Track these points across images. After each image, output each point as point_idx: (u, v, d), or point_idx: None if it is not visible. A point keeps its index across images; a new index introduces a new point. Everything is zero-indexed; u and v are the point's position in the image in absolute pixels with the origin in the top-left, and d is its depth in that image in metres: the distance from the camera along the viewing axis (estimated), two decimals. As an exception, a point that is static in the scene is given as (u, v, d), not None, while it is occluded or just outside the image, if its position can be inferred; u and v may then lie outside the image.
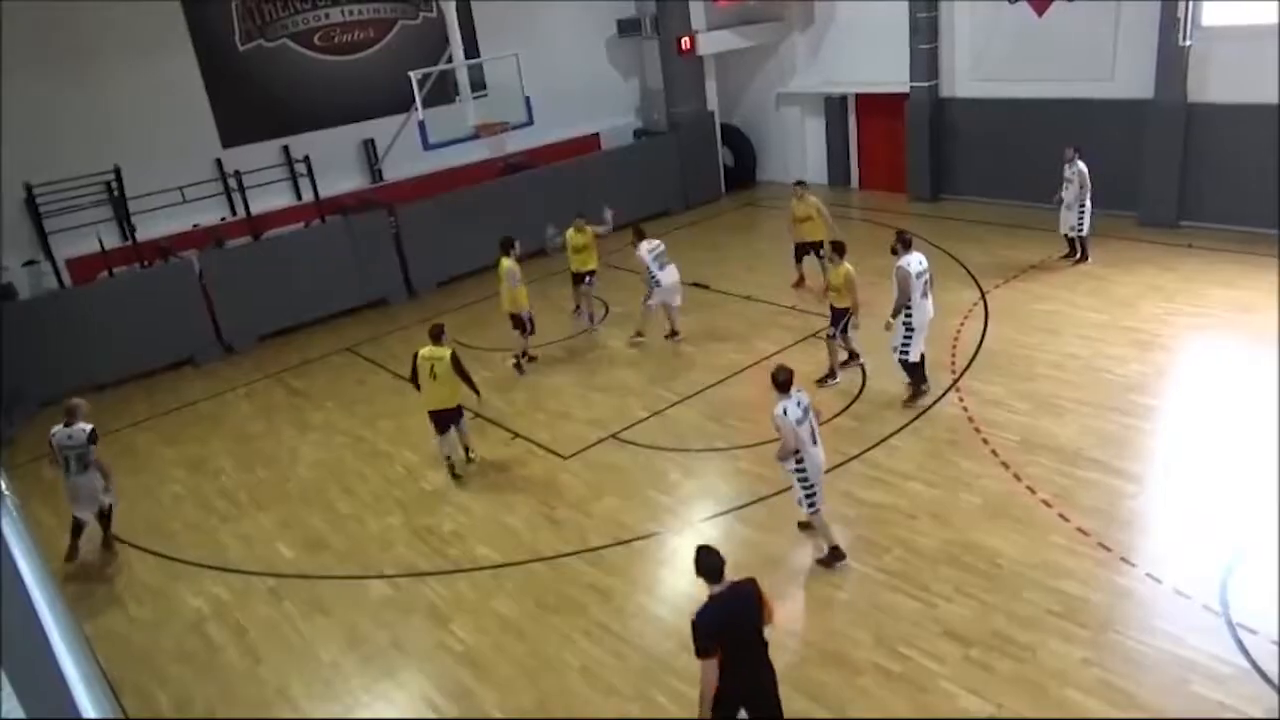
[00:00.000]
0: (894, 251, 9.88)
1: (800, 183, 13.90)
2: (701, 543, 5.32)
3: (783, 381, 7.25)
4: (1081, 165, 13.03)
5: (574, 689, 6.70)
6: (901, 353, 10.01)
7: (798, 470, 7.40)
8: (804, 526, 8.08)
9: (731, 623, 5.09)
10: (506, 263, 11.88)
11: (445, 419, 9.80)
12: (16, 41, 13.12)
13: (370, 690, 7.03)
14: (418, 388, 9.79)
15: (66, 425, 8.87)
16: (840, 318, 10.69)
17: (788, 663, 6.68)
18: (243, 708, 7.03)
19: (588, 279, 13.47)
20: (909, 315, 9.79)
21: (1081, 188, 13.11)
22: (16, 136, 13.23)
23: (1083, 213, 13.31)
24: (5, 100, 13.02)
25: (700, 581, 5.18)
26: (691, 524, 8.61)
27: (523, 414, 11.27)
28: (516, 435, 10.72)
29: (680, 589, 7.81)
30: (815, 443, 7.46)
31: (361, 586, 8.33)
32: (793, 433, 7.13)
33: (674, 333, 12.87)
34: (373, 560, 8.69)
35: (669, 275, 12.43)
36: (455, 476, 9.94)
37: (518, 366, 12.56)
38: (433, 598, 8.01)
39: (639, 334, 12.91)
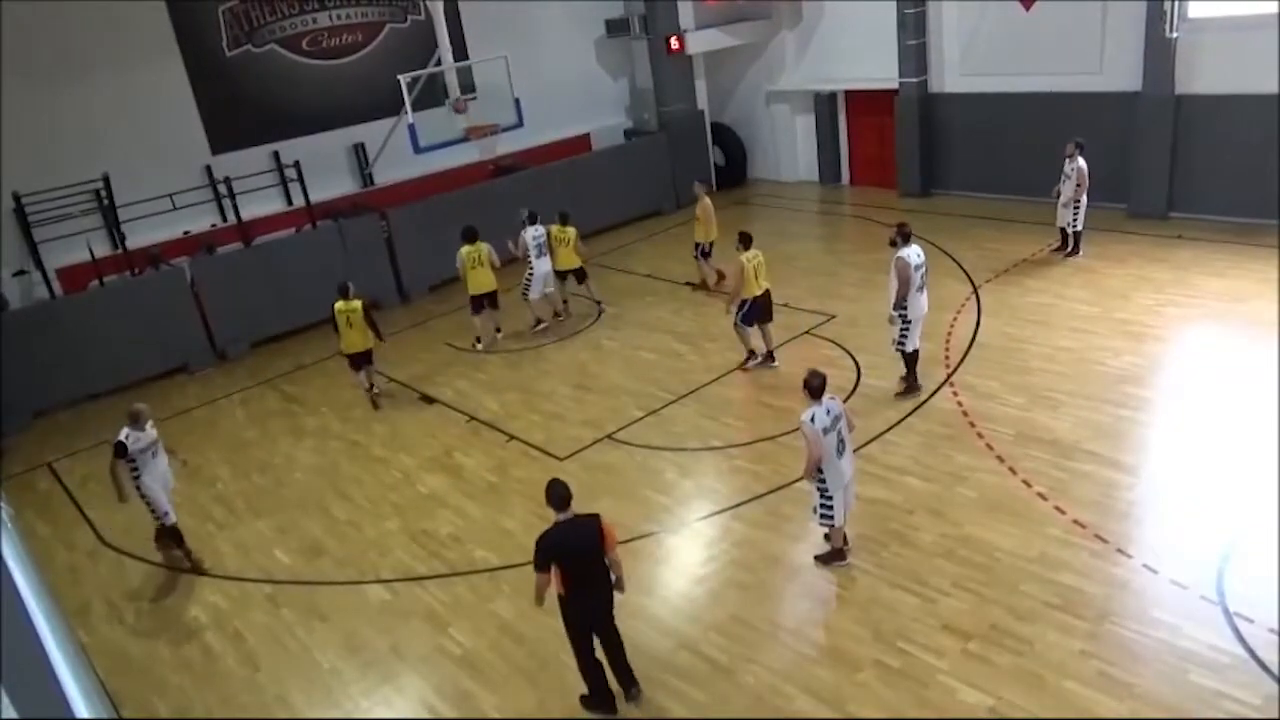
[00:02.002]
0: (893, 244, 9.90)
1: (699, 181, 14.60)
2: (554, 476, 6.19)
3: (816, 386, 7.04)
4: (1081, 162, 13.05)
5: (573, 689, 6.67)
6: (899, 344, 10.08)
7: (818, 481, 7.24)
8: (820, 561, 7.70)
9: (571, 547, 5.96)
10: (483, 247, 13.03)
11: (359, 360, 12.03)
12: (2, 50, 13.07)
13: (370, 696, 7.02)
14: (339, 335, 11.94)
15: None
16: (741, 308, 11.17)
17: (788, 660, 6.70)
18: (242, 716, 7.01)
19: (569, 277, 14.00)
20: (904, 308, 9.83)
21: (1079, 185, 13.14)
22: (3, 146, 13.18)
23: (1078, 208, 13.35)
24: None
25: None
26: (688, 523, 8.61)
27: (517, 416, 11.26)
28: (512, 438, 10.71)
29: (678, 588, 7.82)
30: (841, 454, 7.22)
31: (359, 592, 8.31)
32: (819, 442, 6.99)
33: (556, 314, 14.13)
34: (370, 565, 8.68)
35: (544, 264, 13.50)
36: (376, 407, 12.05)
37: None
38: (431, 602, 8.00)
39: (539, 321, 13.83)
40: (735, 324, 11.40)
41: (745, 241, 11.12)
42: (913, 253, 9.77)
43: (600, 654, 6.38)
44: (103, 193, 13.99)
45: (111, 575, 9.19)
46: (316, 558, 8.93)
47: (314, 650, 7.60)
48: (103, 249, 14.17)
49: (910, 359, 10.18)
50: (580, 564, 6.00)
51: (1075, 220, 13.47)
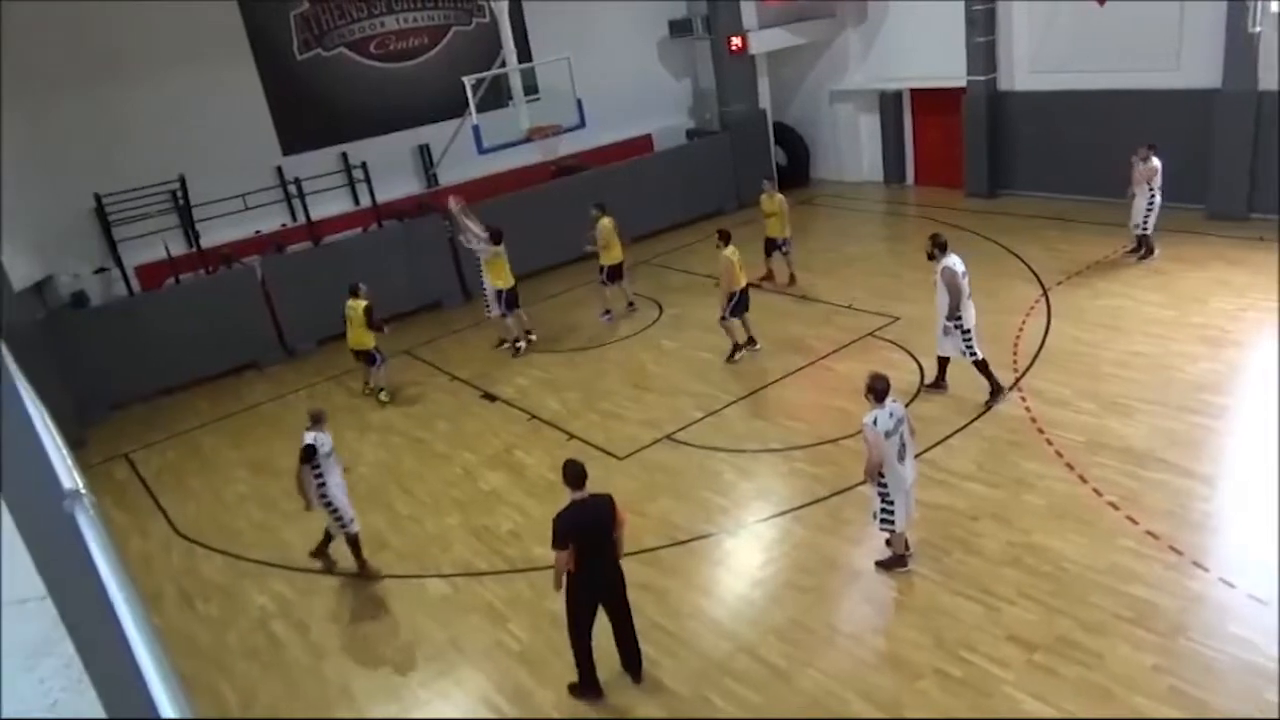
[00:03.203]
0: (930, 256, 9.74)
1: (767, 179, 14.71)
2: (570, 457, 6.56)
3: (880, 390, 7.01)
4: (1156, 162, 12.66)
5: (629, 689, 6.70)
6: (970, 355, 9.85)
7: (880, 484, 7.18)
8: (881, 566, 7.60)
9: (587, 525, 6.28)
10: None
11: (361, 357, 12.55)
12: (84, 54, 13.59)
13: (429, 688, 7.13)
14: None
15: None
16: (730, 299, 11.71)
17: (846, 666, 6.63)
18: (306, 704, 7.18)
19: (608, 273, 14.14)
20: (958, 318, 9.65)
21: (1151, 186, 12.75)
22: (85, 148, 13.70)
23: (1150, 209, 12.97)
24: (75, 113, 13.57)
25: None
26: (746, 525, 8.57)
27: (577, 415, 11.32)
28: (572, 436, 10.77)
29: (736, 590, 7.80)
30: (903, 459, 7.17)
31: (420, 586, 8.44)
32: (879, 445, 6.92)
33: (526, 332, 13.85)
34: (431, 560, 8.81)
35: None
36: (380, 403, 12.54)
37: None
38: (490, 597, 8.09)
39: (515, 339, 13.60)
40: (723, 320, 11.89)
41: (725, 238, 11.87)
42: (956, 261, 9.65)
43: (596, 637, 6.67)
44: (179, 193, 14.45)
45: (183, 564, 9.47)
46: (379, 551, 9.08)
47: (376, 642, 7.75)
48: (178, 248, 14.63)
49: (982, 365, 9.97)
50: (593, 541, 6.31)
51: (1146, 222, 13.07)
